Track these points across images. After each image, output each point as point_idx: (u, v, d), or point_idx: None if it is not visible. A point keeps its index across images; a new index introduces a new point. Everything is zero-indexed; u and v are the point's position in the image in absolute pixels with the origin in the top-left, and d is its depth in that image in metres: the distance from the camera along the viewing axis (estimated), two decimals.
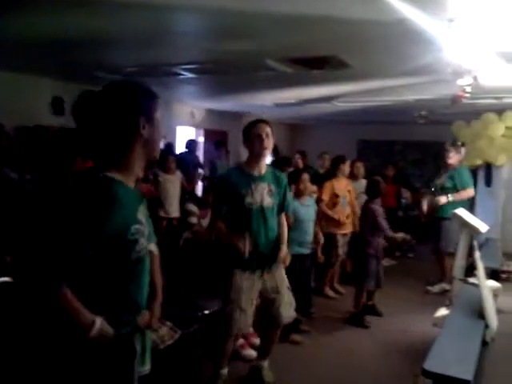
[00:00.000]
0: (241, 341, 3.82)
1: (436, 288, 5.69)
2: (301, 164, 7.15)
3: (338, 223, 5.36)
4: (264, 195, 3.09)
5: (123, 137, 1.72)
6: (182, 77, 5.49)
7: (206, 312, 3.51)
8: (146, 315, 1.87)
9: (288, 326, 4.11)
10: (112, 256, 1.65)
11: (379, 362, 3.83)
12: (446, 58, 3.99)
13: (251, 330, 3.94)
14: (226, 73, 5.33)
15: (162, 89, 6.68)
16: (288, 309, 3.28)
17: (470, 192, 5.67)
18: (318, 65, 4.60)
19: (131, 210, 1.70)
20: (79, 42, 4.09)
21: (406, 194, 8.32)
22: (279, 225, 3.24)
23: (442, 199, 5.64)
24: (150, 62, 4.94)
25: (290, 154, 9.11)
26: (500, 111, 6.70)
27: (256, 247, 3.05)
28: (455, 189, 5.69)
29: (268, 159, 3.51)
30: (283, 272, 3.28)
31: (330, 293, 5.51)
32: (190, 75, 5.39)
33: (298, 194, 4.30)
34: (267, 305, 3.21)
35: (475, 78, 4.44)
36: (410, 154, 11.13)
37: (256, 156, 3.10)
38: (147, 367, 2.00)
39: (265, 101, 7.80)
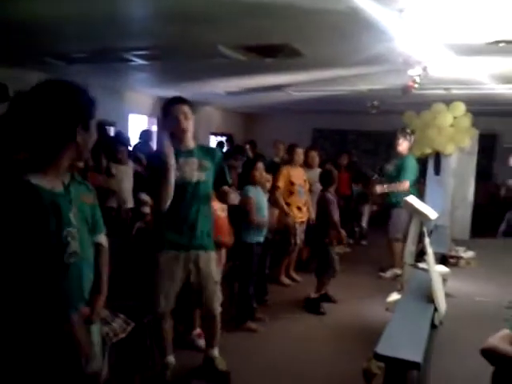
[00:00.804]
0: (197, 330, 3.80)
1: (388, 273, 5.83)
2: (251, 154, 7.16)
3: (295, 211, 5.39)
4: (193, 170, 3.02)
5: (58, 142, 1.73)
6: (132, 63, 5.35)
7: None
8: (85, 310, 1.84)
9: (244, 313, 4.14)
10: (44, 259, 1.67)
11: (333, 347, 3.89)
12: (397, 48, 4.05)
13: None
14: (177, 59, 5.23)
15: (112, 75, 6.50)
16: (214, 302, 3.19)
17: (405, 185, 5.69)
18: (271, 53, 4.58)
19: (59, 214, 1.71)
20: (24, 26, 3.91)
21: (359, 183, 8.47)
22: (222, 199, 3.21)
23: (379, 188, 5.78)
24: (98, 48, 4.78)
25: (244, 144, 9.12)
26: (449, 102, 6.90)
27: (185, 223, 3.01)
28: (399, 178, 5.81)
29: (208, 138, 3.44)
30: (213, 263, 3.19)
31: (286, 280, 5.55)
32: (140, 61, 5.26)
33: (254, 183, 4.29)
34: (197, 295, 3.15)
35: (425, 69, 4.55)
36: (362, 143, 11.35)
37: (177, 136, 3.01)
38: (96, 362, 1.96)
39: (218, 89, 7.72)
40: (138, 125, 8.46)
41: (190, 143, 3.09)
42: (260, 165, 4.34)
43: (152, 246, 3.13)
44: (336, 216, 4.65)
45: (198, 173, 3.04)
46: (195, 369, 3.40)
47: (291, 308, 4.77)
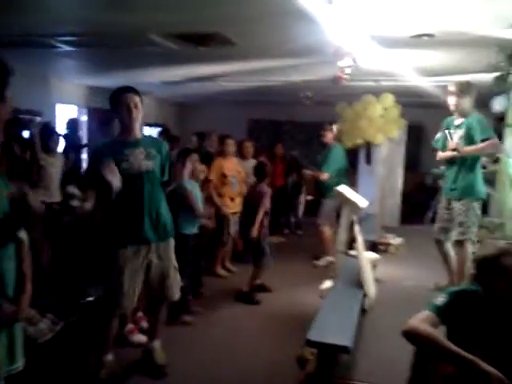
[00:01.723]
0: (129, 326, 3.71)
1: (322, 262, 5.96)
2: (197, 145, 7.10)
3: (228, 202, 5.39)
4: (141, 160, 2.98)
5: None
6: (59, 49, 5.09)
7: (91, 298, 3.35)
8: (8, 309, 1.73)
9: (178, 307, 4.09)
10: None
11: (269, 336, 3.92)
12: (326, 39, 4.11)
13: (140, 314, 3.86)
14: (107, 47, 5.05)
15: (37, 62, 6.17)
16: (175, 288, 3.23)
17: (323, 175, 5.82)
18: (203, 42, 4.52)
19: None
20: None
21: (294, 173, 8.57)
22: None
23: (307, 172, 6.07)
24: (20, 32, 4.51)
25: (180, 134, 8.99)
26: (378, 93, 7.11)
27: (141, 214, 2.96)
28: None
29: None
30: (171, 250, 3.22)
31: (222, 272, 5.54)
32: (67, 48, 5.01)
33: (187, 174, 4.24)
34: (154, 283, 3.13)
35: (355, 61, 4.65)
36: (297, 134, 11.49)
37: (126, 126, 2.99)
38: (18, 364, 1.87)
39: (152, 78, 7.55)
40: (66, 115, 8.10)
41: (138, 133, 3.05)
42: (195, 156, 4.29)
43: (105, 241, 3.05)
44: (263, 210, 4.69)
45: (146, 162, 3.00)
46: (132, 364, 3.34)
47: (227, 299, 4.77)
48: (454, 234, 4.49)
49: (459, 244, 4.46)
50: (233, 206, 5.45)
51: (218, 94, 9.47)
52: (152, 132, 10.34)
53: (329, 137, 6.06)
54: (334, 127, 6.18)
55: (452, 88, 4.48)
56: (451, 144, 4.46)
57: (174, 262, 3.24)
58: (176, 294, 3.27)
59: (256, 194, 4.77)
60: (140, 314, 3.86)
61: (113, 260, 2.98)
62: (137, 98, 2.98)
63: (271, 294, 4.93)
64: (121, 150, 2.95)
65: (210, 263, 5.42)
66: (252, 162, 5.71)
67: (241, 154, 6.03)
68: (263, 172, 4.87)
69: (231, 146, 5.57)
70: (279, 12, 3.54)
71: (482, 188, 4.50)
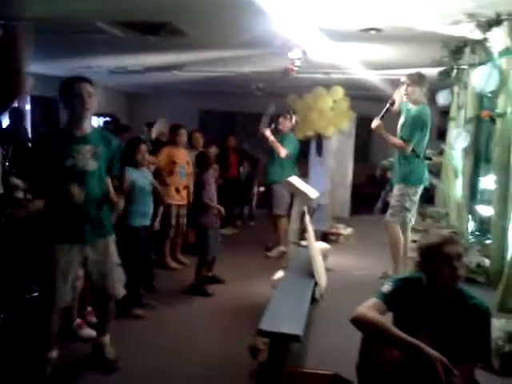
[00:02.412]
0: (78, 321, 3.63)
1: (274, 252, 6.01)
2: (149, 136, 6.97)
3: (174, 193, 5.33)
4: (87, 158, 2.89)
5: None
6: None
7: (35, 294, 3.24)
8: None
9: (129, 300, 4.02)
10: None
11: (222, 327, 3.93)
12: (276, 31, 4.13)
13: (89, 308, 3.77)
14: (52, 33, 4.86)
15: None
16: (118, 284, 3.17)
17: (283, 151, 5.90)
18: (153, 31, 4.43)
19: None
20: None
21: (246, 165, 8.59)
22: (107, 189, 3.08)
23: (266, 132, 5.96)
24: None
25: (131, 124, 8.82)
26: (329, 86, 7.22)
27: (81, 213, 2.88)
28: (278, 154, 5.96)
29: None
30: (112, 245, 3.13)
31: (173, 264, 5.48)
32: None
33: (136, 165, 4.16)
34: (94, 279, 3.06)
35: (304, 53, 4.70)
36: (249, 125, 11.50)
37: (77, 117, 2.88)
38: None
39: (99, 67, 7.33)
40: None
41: (88, 127, 2.95)
42: (143, 147, 4.21)
43: (42, 236, 2.95)
44: (207, 197, 4.66)
45: (92, 161, 2.91)
46: (81, 359, 3.26)
47: (180, 292, 4.73)
48: (386, 215, 4.71)
49: (387, 226, 4.69)
50: (178, 198, 5.39)
51: (170, 84, 9.34)
52: (99, 122, 10.10)
53: (286, 125, 6.09)
54: (294, 117, 6.21)
55: (403, 78, 4.63)
56: (375, 121, 4.64)
57: (116, 259, 3.15)
58: (119, 291, 3.18)
59: (200, 185, 4.74)
60: (89, 308, 3.77)
61: (47, 255, 2.90)
62: (91, 88, 2.88)
63: (224, 286, 4.93)
64: (68, 145, 2.84)
65: (160, 256, 5.36)
66: None
67: (190, 144, 5.98)
68: (206, 162, 4.82)
69: (183, 136, 5.51)
70: (230, 3, 3.52)
71: (419, 176, 4.67)
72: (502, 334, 3.02)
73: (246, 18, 3.95)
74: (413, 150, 4.61)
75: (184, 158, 5.47)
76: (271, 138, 5.93)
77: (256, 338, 3.11)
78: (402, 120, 4.68)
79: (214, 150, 6.50)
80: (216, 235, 4.82)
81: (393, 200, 4.71)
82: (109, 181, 3.11)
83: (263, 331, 2.66)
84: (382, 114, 4.65)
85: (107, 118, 10.37)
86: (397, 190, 4.70)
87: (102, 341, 3.26)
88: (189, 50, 5.56)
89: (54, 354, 3.07)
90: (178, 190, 5.38)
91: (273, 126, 6.05)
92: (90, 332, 3.56)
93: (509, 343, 2.99)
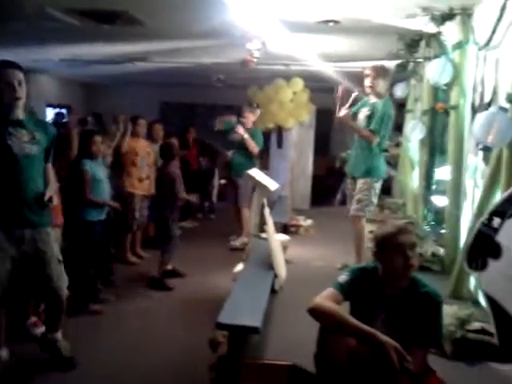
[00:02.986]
0: (32, 319, 3.52)
1: (237, 242, 5.98)
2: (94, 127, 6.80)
3: (136, 183, 5.25)
4: (24, 142, 2.75)
5: None
6: None
7: None
8: None
9: (86, 296, 3.94)
10: None
11: (182, 321, 3.89)
12: (235, 21, 4.09)
13: (43, 306, 3.67)
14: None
15: None
16: (59, 283, 3.00)
17: (255, 148, 5.93)
18: (109, 19, 4.32)
19: None
20: None
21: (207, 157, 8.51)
22: (46, 178, 2.95)
23: (240, 130, 5.89)
24: None
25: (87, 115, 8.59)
26: (289, 78, 7.23)
27: (17, 199, 2.75)
28: (246, 149, 5.97)
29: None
30: (50, 241, 2.96)
31: (133, 258, 5.40)
32: None
33: (91, 156, 4.05)
34: (37, 276, 2.92)
35: (263, 44, 4.67)
36: (210, 117, 11.40)
37: (6, 105, 2.73)
38: None
39: (51, 55, 7.08)
40: None
41: (21, 113, 2.80)
42: (97, 138, 4.10)
43: None
44: (180, 188, 4.61)
45: (30, 145, 2.77)
46: (36, 358, 3.16)
47: (139, 286, 4.67)
48: (352, 209, 4.69)
49: (354, 219, 4.68)
50: (140, 188, 5.31)
51: (129, 75, 9.16)
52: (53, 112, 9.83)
53: (250, 119, 6.06)
54: (257, 111, 6.17)
55: (368, 71, 4.60)
56: (342, 111, 4.57)
57: (58, 255, 3.00)
58: (62, 291, 3.01)
59: (164, 177, 4.68)
60: (43, 306, 3.66)
61: None
62: (21, 75, 2.72)
63: (184, 279, 4.89)
64: (5, 127, 2.70)
65: (120, 250, 5.26)
66: None
67: (150, 136, 5.89)
68: (170, 152, 4.75)
69: (143, 126, 5.43)
70: None
71: (383, 169, 4.72)
72: (454, 320, 3.11)
73: (204, 8, 3.91)
74: (378, 143, 4.63)
75: (144, 148, 5.40)
76: (245, 135, 5.87)
77: (216, 332, 3.10)
78: (366, 112, 4.64)
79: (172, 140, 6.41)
80: (178, 228, 4.78)
81: (360, 194, 4.63)
82: (49, 168, 2.99)
83: (222, 324, 2.65)
84: (349, 104, 4.61)
85: (61, 110, 10.10)
86: (362, 183, 4.64)
87: (54, 337, 3.13)
88: (147, 39, 5.46)
89: (4, 353, 2.97)
90: (140, 180, 5.30)
91: (239, 120, 6.02)
92: (44, 330, 3.46)
93: (460, 329, 3.08)
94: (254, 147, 5.92)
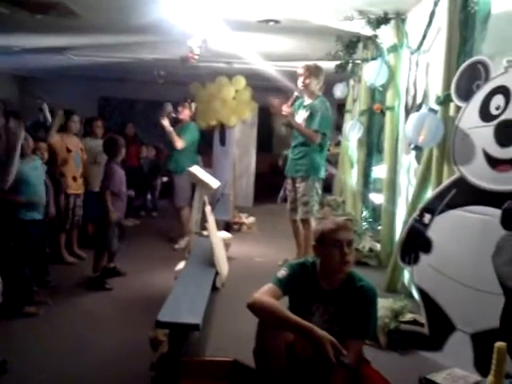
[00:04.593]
0: None
1: (181, 243, 5.92)
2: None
3: (71, 182, 5.10)
4: None
5: None
6: None
7: None
8: None
9: (21, 298, 3.79)
10: None
11: (122, 321, 3.82)
12: (175, 17, 4.06)
13: None
14: None
15: None
16: None
17: (178, 143, 5.77)
18: (41, 9, 4.14)
19: None
20: None
21: (151, 153, 8.39)
22: None
23: (165, 122, 5.75)
24: None
25: (20, 109, 8.23)
26: (231, 75, 7.25)
27: None
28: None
29: None
30: None
31: (70, 258, 5.24)
32: None
33: (21, 154, 3.87)
34: None
35: (204, 42, 4.66)
36: (151, 113, 11.22)
37: None
38: None
39: None
40: None
41: None
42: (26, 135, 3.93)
43: None
44: (116, 187, 4.52)
45: None
46: None
47: (77, 287, 4.54)
48: (300, 213, 4.74)
49: (304, 222, 4.75)
50: (75, 187, 5.16)
51: (67, 69, 8.86)
52: None
53: (185, 113, 5.98)
54: (193, 105, 6.10)
55: (301, 70, 4.64)
56: (285, 108, 4.59)
57: None
58: None
59: (109, 173, 4.57)
60: None
61: None
62: None
63: (125, 279, 4.80)
64: None
65: (56, 250, 5.09)
66: (101, 142, 5.43)
67: (90, 132, 5.73)
68: (114, 148, 4.63)
69: (76, 122, 5.27)
70: None
71: (322, 168, 4.80)
72: (389, 313, 3.24)
73: (141, 2, 3.84)
74: (319, 143, 4.66)
75: (77, 144, 5.25)
76: (169, 128, 5.74)
77: (156, 330, 3.07)
78: (304, 113, 4.66)
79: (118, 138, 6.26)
80: (118, 226, 4.67)
81: (304, 197, 4.66)
82: None
83: (162, 322, 2.63)
84: (291, 102, 4.63)
85: None
86: (304, 185, 4.66)
87: None
88: (84, 32, 5.30)
89: None
90: (74, 179, 5.15)
91: (173, 115, 5.92)
92: None
93: (394, 320, 3.22)
94: (177, 141, 5.74)
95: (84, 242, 5.53)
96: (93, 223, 5.49)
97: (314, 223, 4.72)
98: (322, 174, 4.81)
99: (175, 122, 5.93)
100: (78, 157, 5.22)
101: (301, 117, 4.69)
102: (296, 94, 4.68)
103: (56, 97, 9.47)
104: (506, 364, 1.92)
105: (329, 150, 8.64)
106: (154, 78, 8.22)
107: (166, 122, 5.74)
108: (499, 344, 1.91)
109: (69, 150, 5.08)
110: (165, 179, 7.99)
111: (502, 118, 2.79)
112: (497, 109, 2.84)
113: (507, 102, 2.78)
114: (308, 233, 4.70)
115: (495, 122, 2.83)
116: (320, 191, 4.84)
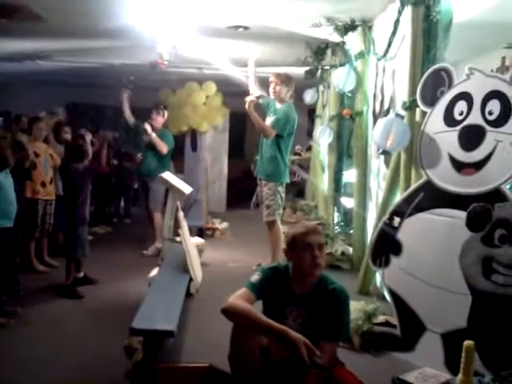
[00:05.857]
0: None
1: (151, 250, 5.89)
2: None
3: (39, 187, 5.02)
4: None
5: None
6: None
7: None
8: None
9: None
10: None
11: (95, 329, 3.77)
12: (144, 23, 4.06)
13: None
14: None
15: None
16: None
17: (164, 148, 5.83)
18: (4, 13, 4.07)
19: None
20: None
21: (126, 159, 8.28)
22: None
23: (148, 128, 5.76)
24: None
25: None
26: (202, 81, 7.26)
27: None
28: (156, 150, 5.87)
29: None
30: None
31: (40, 267, 5.14)
32: None
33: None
34: None
35: (174, 47, 4.66)
36: (121, 119, 11.11)
37: None
38: None
39: None
40: None
41: None
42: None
43: None
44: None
45: None
46: None
47: (49, 296, 4.45)
48: (263, 215, 4.83)
49: (269, 224, 4.82)
50: (45, 193, 5.08)
51: (35, 74, 8.71)
52: None
53: (159, 121, 5.98)
54: (165, 112, 6.10)
55: (272, 78, 4.76)
56: (249, 97, 4.71)
57: None
58: None
59: (67, 175, 4.52)
60: None
61: None
62: None
63: (97, 286, 4.73)
64: None
65: (26, 258, 5.00)
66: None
67: (59, 138, 5.65)
68: (79, 153, 4.56)
69: (42, 129, 5.21)
70: None
71: (284, 173, 4.85)
72: (362, 315, 3.30)
73: (107, 5, 3.81)
74: (280, 148, 4.74)
75: (45, 150, 5.17)
76: (153, 134, 5.76)
77: (131, 338, 3.05)
78: (272, 117, 4.75)
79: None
80: (86, 233, 4.62)
81: (267, 200, 4.77)
82: None
83: (136, 329, 2.62)
84: (258, 95, 4.72)
85: None
86: (268, 189, 4.77)
87: None
88: (50, 37, 5.22)
89: None
90: (43, 184, 5.06)
91: (147, 121, 5.91)
92: None
93: (367, 322, 3.28)
94: (163, 146, 5.80)
95: (55, 251, 5.44)
96: (61, 231, 5.40)
97: (280, 227, 4.80)
98: (284, 179, 4.87)
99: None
100: (47, 162, 5.13)
101: (269, 120, 4.78)
102: (261, 94, 4.78)
103: (23, 102, 9.35)
104: (475, 362, 1.99)
105: (300, 154, 8.79)
106: (123, 84, 8.16)
107: (149, 128, 5.74)
108: (467, 343, 1.98)
109: (37, 155, 5.00)
110: (136, 186, 7.92)
111: (466, 123, 2.90)
112: (460, 114, 2.94)
113: (470, 108, 2.88)
114: (274, 236, 4.80)
115: (459, 126, 2.94)
116: (283, 195, 4.90)
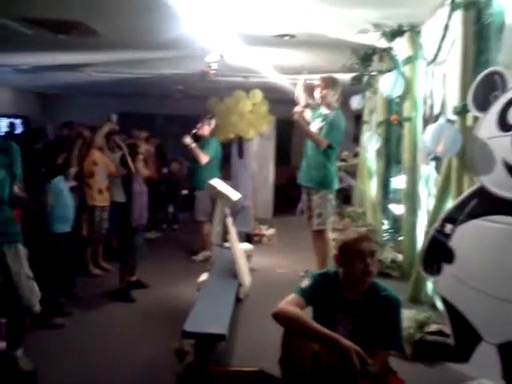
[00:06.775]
0: None
1: (200, 256, 5.98)
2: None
3: (96, 195, 5.22)
4: None
5: None
6: None
7: None
8: None
9: (49, 309, 3.88)
10: None
11: (147, 332, 3.87)
12: (193, 34, 4.14)
13: (4, 320, 3.59)
14: None
15: None
16: (30, 298, 3.03)
17: (203, 158, 5.87)
18: (64, 29, 4.26)
19: None
20: None
21: (176, 167, 8.46)
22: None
23: (187, 140, 5.83)
24: None
25: (44, 125, 8.45)
26: (248, 89, 7.34)
27: None
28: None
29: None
30: (20, 257, 3.01)
31: (96, 271, 5.34)
32: None
33: (59, 170, 4.01)
34: (8, 296, 2.94)
35: (222, 57, 4.74)
36: (171, 127, 11.38)
37: None
38: None
39: (3, 65, 6.90)
40: None
41: None
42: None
43: None
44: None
45: None
46: None
47: (102, 298, 4.62)
48: (314, 224, 4.75)
49: (319, 233, 4.74)
50: (101, 199, 5.28)
51: (88, 85, 9.06)
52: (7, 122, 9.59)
53: (205, 130, 6.08)
54: (213, 121, 6.20)
55: (317, 82, 4.69)
56: (298, 107, 4.65)
57: (27, 271, 3.03)
58: (34, 306, 3.05)
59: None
60: (3, 320, 3.59)
61: None
62: None
63: (148, 290, 4.86)
64: None
65: (83, 263, 5.20)
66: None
67: (109, 146, 5.86)
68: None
69: (100, 138, 5.41)
70: (142, 5, 3.50)
71: (334, 180, 4.78)
72: (413, 323, 3.25)
73: (159, 21, 3.93)
74: (329, 155, 4.69)
75: (102, 158, 5.37)
76: (193, 145, 5.84)
77: (182, 341, 3.13)
78: (318, 124, 4.69)
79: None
80: (142, 239, 4.76)
81: (318, 209, 4.66)
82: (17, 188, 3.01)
83: (188, 332, 2.69)
84: (305, 104, 4.66)
85: (14, 120, 9.88)
86: (318, 197, 4.67)
87: (14, 354, 3.09)
88: (104, 49, 5.42)
89: None
90: (100, 191, 5.27)
91: (193, 131, 6.03)
92: (2, 344, 3.39)
93: (419, 331, 3.22)
94: (202, 156, 5.84)
95: (110, 255, 5.63)
96: (115, 236, 5.58)
97: (329, 235, 4.74)
98: (335, 186, 4.80)
99: (196, 138, 6.03)
100: (104, 170, 5.33)
101: (315, 126, 4.72)
102: (309, 102, 4.73)
103: (77, 113, 9.74)
104: None
105: (346, 160, 8.71)
106: (172, 93, 8.36)
107: (188, 140, 5.83)
108: None
109: (95, 164, 5.21)
110: (185, 192, 8.09)
111: None
112: None
113: None
114: (323, 244, 4.71)
115: None
116: (334, 202, 4.84)
